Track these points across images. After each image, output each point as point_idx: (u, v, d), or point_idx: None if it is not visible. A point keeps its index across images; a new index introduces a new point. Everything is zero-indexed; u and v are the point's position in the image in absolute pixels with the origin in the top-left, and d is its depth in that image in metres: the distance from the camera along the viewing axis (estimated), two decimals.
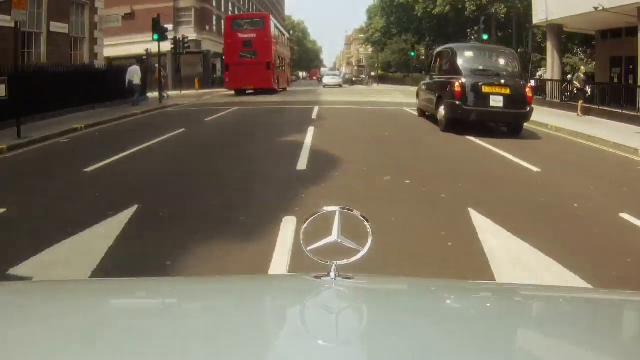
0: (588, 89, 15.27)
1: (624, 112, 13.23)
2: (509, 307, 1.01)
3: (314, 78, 74.89)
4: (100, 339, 0.77)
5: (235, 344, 0.75)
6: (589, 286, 2.98)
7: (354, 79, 52.88)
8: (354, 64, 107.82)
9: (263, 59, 27.09)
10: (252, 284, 1.20)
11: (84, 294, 1.06)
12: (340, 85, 40.30)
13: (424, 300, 1.04)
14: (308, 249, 0.97)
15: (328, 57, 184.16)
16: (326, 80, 41.60)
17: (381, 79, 48.25)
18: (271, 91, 26.58)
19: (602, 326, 0.90)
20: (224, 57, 30.07)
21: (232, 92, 26.83)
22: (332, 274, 0.98)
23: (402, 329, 0.82)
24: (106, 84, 16.46)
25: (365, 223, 1.00)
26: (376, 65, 60.01)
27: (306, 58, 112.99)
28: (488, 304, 1.05)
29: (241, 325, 0.84)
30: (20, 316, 0.88)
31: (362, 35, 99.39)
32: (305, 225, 0.99)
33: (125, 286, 1.17)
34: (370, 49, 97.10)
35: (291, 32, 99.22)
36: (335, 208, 0.99)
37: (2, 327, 0.82)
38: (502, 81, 10.12)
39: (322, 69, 76.73)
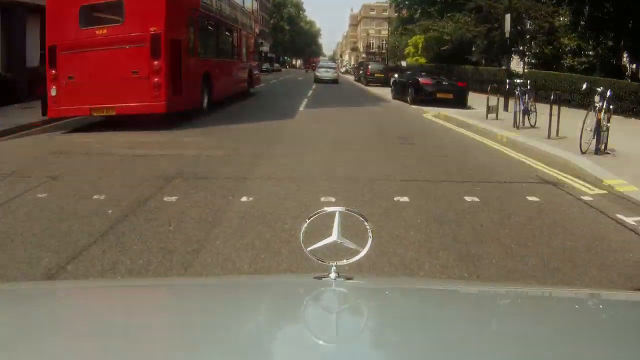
0: None
1: None
2: (509, 307, 1.05)
3: (310, 67, 63.79)
4: (99, 340, 0.80)
5: (235, 345, 0.78)
6: None
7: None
8: (361, 49, 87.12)
9: (142, 28, 10.05)
10: (252, 284, 1.24)
11: (84, 294, 1.10)
12: (335, 81, 32.20)
13: (424, 300, 1.07)
14: (308, 249, 1.01)
15: (326, 46, 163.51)
16: (320, 72, 33.44)
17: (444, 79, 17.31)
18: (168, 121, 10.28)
19: (603, 327, 0.93)
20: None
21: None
22: (332, 275, 1.00)
23: (403, 330, 0.86)
24: None
25: (365, 223, 1.03)
26: (416, 48, 37.57)
27: (300, 42, 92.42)
28: (489, 305, 1.07)
29: (241, 325, 0.88)
30: (21, 316, 0.91)
31: (372, 12, 79.57)
32: (305, 225, 1.02)
33: (125, 286, 1.22)
34: (383, 31, 76.47)
35: (282, 7, 78.73)
36: (336, 208, 1.02)
37: (2, 327, 0.85)
38: None
39: (321, 59, 65.07)
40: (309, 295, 1.03)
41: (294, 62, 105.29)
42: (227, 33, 15.12)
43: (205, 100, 12.21)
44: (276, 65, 65.32)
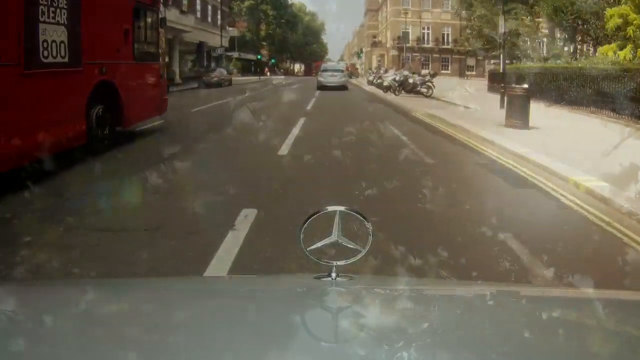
0: None
1: None
2: (509, 308, 1.08)
3: (313, 73, 51.59)
4: (99, 339, 0.83)
5: (235, 344, 0.81)
6: None
7: None
8: (388, 43, 59.71)
9: None
10: (252, 284, 1.29)
11: (84, 294, 1.14)
12: (344, 87, 27.74)
13: (424, 300, 1.12)
14: (308, 249, 1.05)
15: (332, 50, 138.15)
16: (324, 77, 28.41)
17: None
18: None
19: (603, 327, 0.96)
20: None
21: None
22: (332, 275, 1.05)
23: (402, 330, 0.90)
24: None
25: (366, 223, 1.07)
26: None
27: (296, 40, 65.59)
28: (488, 305, 1.10)
29: (241, 325, 0.91)
30: (20, 316, 0.95)
31: None
32: (304, 225, 1.06)
33: (124, 286, 1.26)
34: (425, 13, 50.07)
35: None
36: (335, 208, 1.06)
37: (2, 327, 0.89)
38: None
39: (329, 64, 42.95)
40: (309, 295, 1.08)
41: (291, 67, 77.84)
42: None
43: None
44: (222, 72, 32.71)
